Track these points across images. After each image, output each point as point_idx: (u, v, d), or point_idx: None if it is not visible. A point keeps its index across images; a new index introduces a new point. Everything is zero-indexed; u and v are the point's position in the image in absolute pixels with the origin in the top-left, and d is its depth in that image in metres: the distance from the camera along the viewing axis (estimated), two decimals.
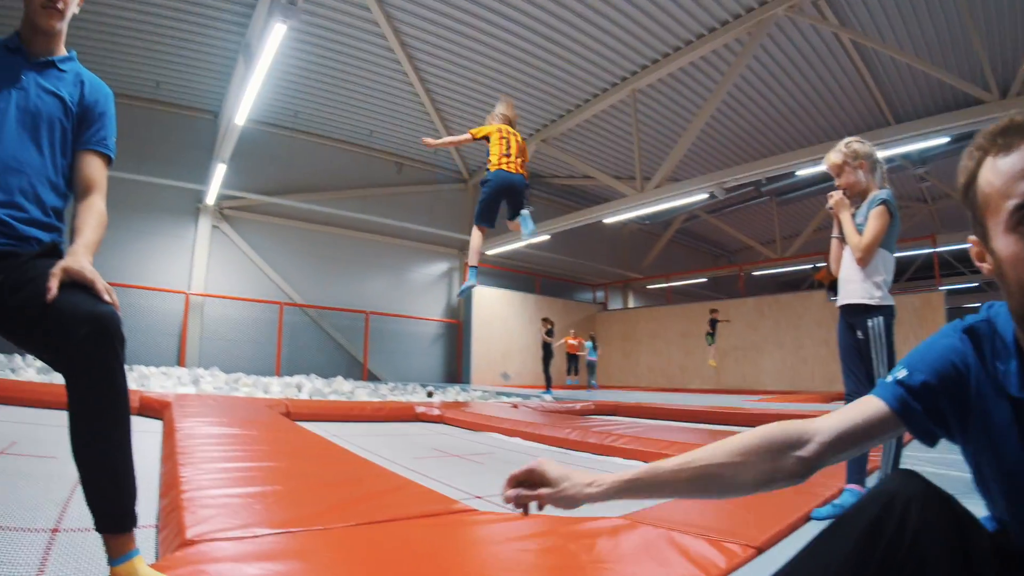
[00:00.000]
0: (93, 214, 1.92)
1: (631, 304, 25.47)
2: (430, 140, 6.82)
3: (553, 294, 21.52)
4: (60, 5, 1.92)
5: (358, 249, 19.07)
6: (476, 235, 6.24)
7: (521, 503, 1.31)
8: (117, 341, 1.61)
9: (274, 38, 9.06)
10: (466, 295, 4.87)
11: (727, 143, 17.44)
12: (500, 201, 6.35)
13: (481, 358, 19.36)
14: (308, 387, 10.50)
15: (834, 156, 3.45)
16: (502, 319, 19.82)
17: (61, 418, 4.74)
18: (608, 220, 15.31)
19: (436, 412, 8.17)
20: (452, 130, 17.12)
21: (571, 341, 18.96)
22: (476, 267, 5.80)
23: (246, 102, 11.38)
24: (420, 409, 8.20)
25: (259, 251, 17.79)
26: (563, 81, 14.65)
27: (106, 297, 1.61)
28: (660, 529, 2.42)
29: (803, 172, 14.59)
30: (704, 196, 14.98)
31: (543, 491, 1.29)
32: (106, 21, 12.61)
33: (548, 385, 16.07)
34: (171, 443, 3.78)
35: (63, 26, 2.01)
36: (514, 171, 6.23)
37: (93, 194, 1.97)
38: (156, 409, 6.15)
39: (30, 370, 7.78)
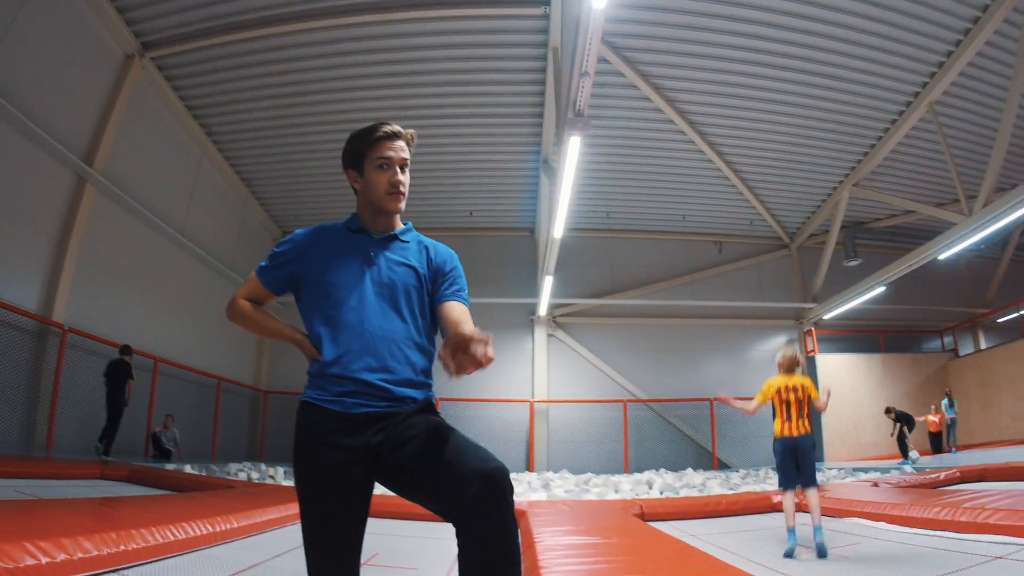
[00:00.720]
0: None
1: (983, 345, 22.16)
2: (725, 397, 7.03)
3: (898, 349, 19.40)
4: (402, 188, 2.18)
5: (691, 336, 18.91)
6: (785, 498, 5.89)
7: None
8: (509, 495, 1.70)
9: (571, 152, 9.52)
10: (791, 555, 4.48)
11: None
12: (793, 461, 6.10)
13: (832, 432, 17.87)
14: (659, 483, 10.40)
15: None
16: (850, 386, 18.19)
17: (421, 530, 5.08)
18: (943, 256, 13.59)
19: (796, 501, 7.72)
20: (760, 196, 16.80)
21: (932, 418, 16.28)
22: (793, 528, 5.37)
23: (559, 216, 11.96)
24: (777, 499, 7.79)
25: (596, 352, 18.35)
26: (856, 116, 13.69)
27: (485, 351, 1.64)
28: None
29: None
30: None
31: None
32: (423, 167, 14.19)
33: (904, 454, 14.60)
34: (531, 556, 3.87)
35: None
36: (797, 435, 6.20)
37: (462, 325, 2.04)
38: None
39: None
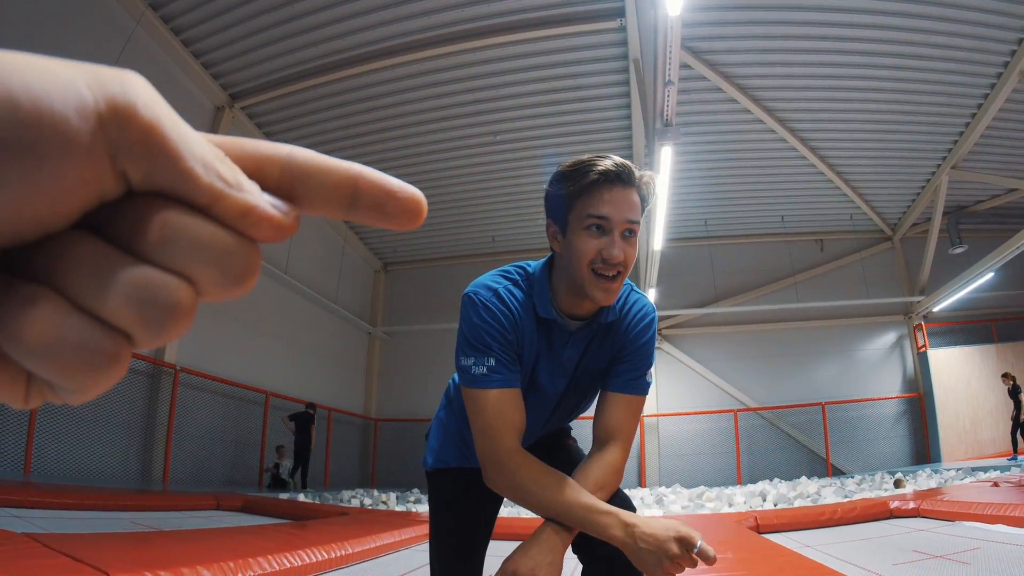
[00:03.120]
0: None
1: None
2: None
3: (1014, 338, 18.15)
4: (621, 269, 1.59)
5: (799, 339, 18.39)
6: None
7: None
8: None
9: (664, 162, 9.45)
10: None
11: None
12: None
13: (949, 430, 16.87)
14: (772, 494, 10.15)
15: None
16: (965, 382, 17.10)
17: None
18: None
19: (911, 505, 7.40)
20: (858, 188, 16.33)
21: None
22: None
23: (658, 228, 11.90)
24: (894, 504, 7.47)
25: (703, 363, 18.11)
26: (946, 95, 13.00)
27: None
28: None
29: None
30: None
31: None
32: (518, 191, 14.27)
33: (1016, 450, 13.70)
34: None
35: None
36: None
37: None
38: None
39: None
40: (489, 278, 1.70)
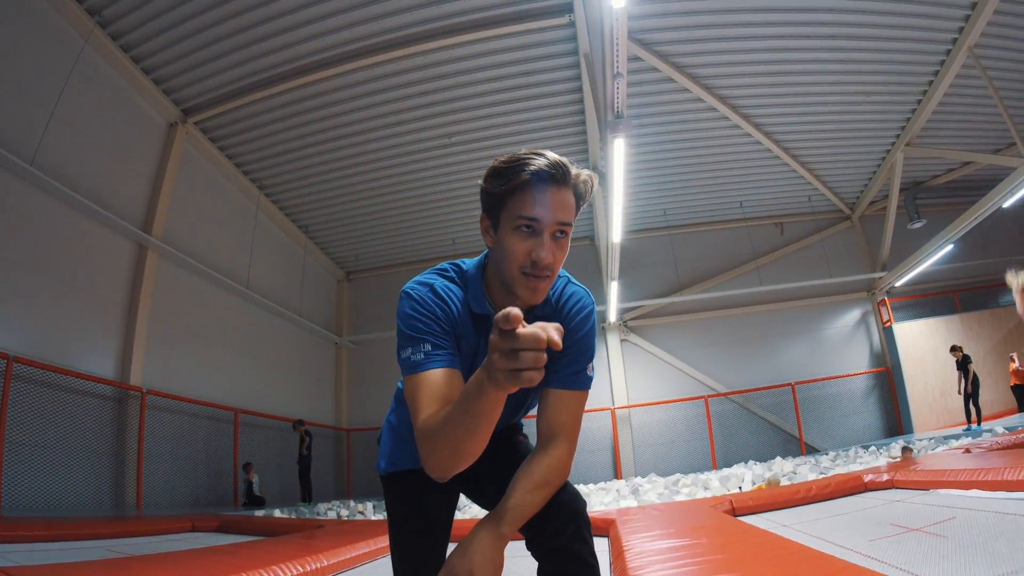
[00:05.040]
0: None
1: None
2: None
3: (976, 307, 18.37)
4: (548, 272, 1.58)
5: (765, 322, 18.55)
6: None
7: None
8: (586, 530, 1.65)
9: (617, 154, 9.47)
10: None
11: None
12: None
13: (919, 401, 17.13)
14: (748, 476, 10.21)
15: None
16: (931, 353, 17.34)
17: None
18: (1008, 203, 12.89)
19: (885, 478, 7.47)
20: (814, 170, 16.57)
21: (1016, 366, 14.28)
22: None
23: (615, 220, 11.90)
24: (868, 478, 7.55)
25: (671, 351, 18.20)
26: (897, 73, 13.16)
27: None
28: None
29: None
30: None
31: None
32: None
33: (969, 420, 13.88)
34: (622, 565, 3.81)
35: None
36: None
37: None
38: (601, 528, 6.31)
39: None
40: (424, 275, 1.73)
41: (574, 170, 1.56)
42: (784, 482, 8.99)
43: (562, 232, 1.56)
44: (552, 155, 1.53)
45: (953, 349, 14.26)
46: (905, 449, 10.43)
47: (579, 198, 1.60)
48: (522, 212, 1.52)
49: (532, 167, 1.49)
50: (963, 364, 14.00)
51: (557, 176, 1.52)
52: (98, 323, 10.42)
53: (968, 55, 12.01)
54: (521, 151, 1.55)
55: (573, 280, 1.84)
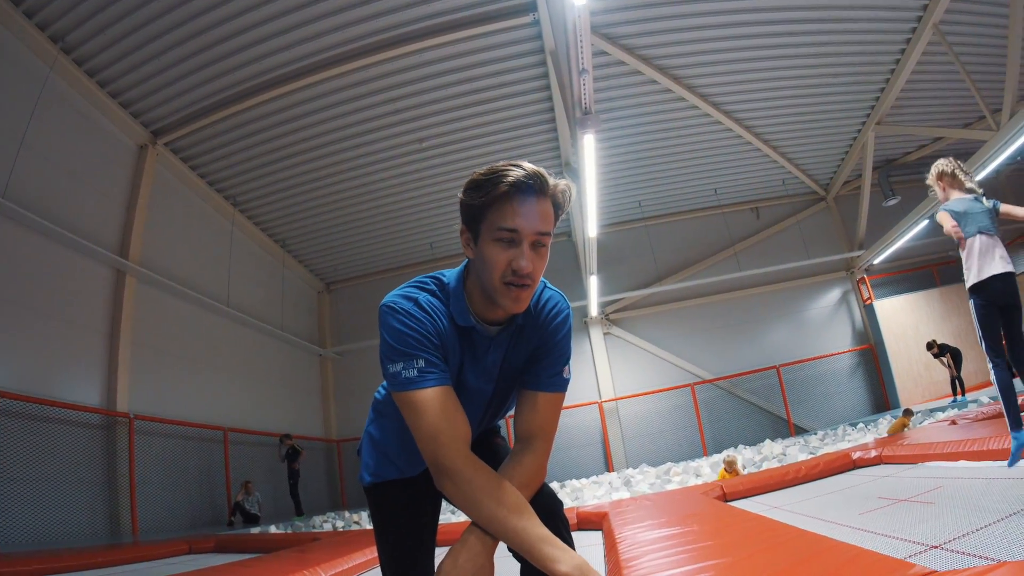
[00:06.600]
0: None
1: None
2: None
3: (955, 280, 18.49)
4: (529, 281, 1.61)
5: (746, 307, 18.70)
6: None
7: None
8: (564, 529, 1.70)
9: (588, 150, 9.52)
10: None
11: None
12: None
13: (904, 376, 17.36)
14: (739, 460, 10.29)
15: None
16: (913, 327, 17.58)
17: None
18: (981, 176, 13.03)
19: (873, 454, 7.55)
20: (786, 154, 16.68)
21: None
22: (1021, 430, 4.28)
23: (591, 215, 11.96)
24: (856, 455, 7.63)
25: (654, 342, 18.28)
26: (864, 53, 13.29)
27: None
28: None
29: None
30: None
31: None
32: (450, 196, 14.27)
33: (955, 392, 14.05)
34: (615, 557, 3.84)
35: None
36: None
37: None
38: (594, 521, 6.34)
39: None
40: (404, 289, 1.70)
41: (552, 180, 1.59)
42: (775, 464, 9.05)
43: (541, 243, 1.59)
44: (530, 166, 1.56)
45: (929, 347, 14.47)
46: (907, 412, 10.59)
47: (557, 208, 1.63)
48: (502, 223, 1.55)
49: (510, 178, 1.52)
50: (942, 353, 14.22)
51: (536, 186, 1.55)
52: (81, 351, 10.33)
53: (934, 32, 12.15)
54: (499, 163, 1.58)
55: (549, 285, 1.86)
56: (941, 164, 4.95)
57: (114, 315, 11.01)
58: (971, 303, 4.36)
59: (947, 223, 4.93)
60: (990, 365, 3.90)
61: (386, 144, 13.71)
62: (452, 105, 12.96)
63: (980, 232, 4.78)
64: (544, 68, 12.23)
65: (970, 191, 5.08)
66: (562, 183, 1.62)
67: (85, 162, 10.78)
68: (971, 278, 4.62)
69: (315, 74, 11.53)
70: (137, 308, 11.45)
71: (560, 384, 1.78)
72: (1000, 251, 4.70)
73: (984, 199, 4.92)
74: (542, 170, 1.58)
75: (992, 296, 4.53)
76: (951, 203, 4.95)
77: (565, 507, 1.78)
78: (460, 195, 1.63)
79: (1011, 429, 3.57)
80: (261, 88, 11.73)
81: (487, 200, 1.55)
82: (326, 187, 14.91)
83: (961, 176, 4.87)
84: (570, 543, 1.61)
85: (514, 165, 1.56)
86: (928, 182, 4.87)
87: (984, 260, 4.64)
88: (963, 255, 4.80)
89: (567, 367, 1.80)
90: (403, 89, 12.36)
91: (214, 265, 14.35)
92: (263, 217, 15.87)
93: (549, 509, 1.68)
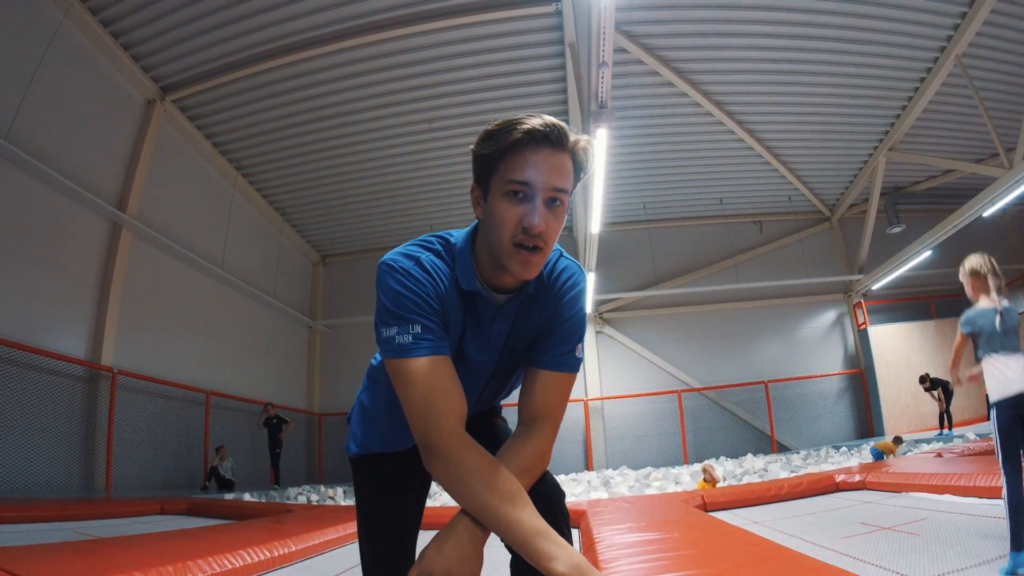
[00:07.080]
0: None
1: None
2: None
3: (951, 314, 18.51)
4: (542, 243, 1.44)
5: (740, 320, 18.66)
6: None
7: None
8: (564, 524, 1.59)
9: (601, 144, 9.44)
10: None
11: None
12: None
13: (891, 404, 17.36)
14: (720, 471, 10.26)
15: None
16: (905, 357, 17.59)
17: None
18: (988, 212, 12.99)
19: (857, 479, 7.52)
20: (796, 170, 16.61)
21: (974, 372, 14.32)
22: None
23: (595, 211, 11.88)
24: (840, 478, 7.61)
25: (646, 345, 18.25)
26: (884, 78, 13.22)
27: None
28: None
29: None
30: None
31: None
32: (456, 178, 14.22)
33: (942, 426, 14.02)
34: (593, 557, 3.80)
35: None
36: None
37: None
38: (572, 519, 6.28)
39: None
40: (407, 247, 1.57)
41: (572, 135, 1.45)
42: (755, 479, 9.03)
43: (557, 200, 1.43)
44: (549, 117, 1.42)
45: (922, 380, 14.41)
46: (897, 439, 10.58)
47: (578, 166, 1.48)
48: (513, 175, 1.40)
49: (525, 126, 1.39)
50: (934, 387, 14.17)
51: (552, 137, 1.40)
52: (70, 301, 10.26)
53: (956, 64, 12.09)
54: (517, 114, 1.44)
55: (566, 254, 1.69)
56: (975, 263, 4.43)
57: (107, 268, 10.91)
58: (992, 413, 4.05)
59: (957, 339, 4.63)
60: (1003, 480, 3.68)
61: (395, 121, 13.60)
62: (465, 88, 12.85)
63: (1002, 351, 4.34)
64: (561, 59, 12.14)
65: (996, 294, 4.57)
66: (583, 138, 1.47)
67: (91, 112, 10.66)
68: (994, 394, 4.19)
69: (331, 44, 11.40)
70: (130, 263, 11.35)
71: (572, 363, 1.64)
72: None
73: (1005, 304, 4.43)
74: (561, 123, 1.43)
75: (1018, 409, 4.10)
76: (973, 315, 4.47)
77: None
78: (472, 147, 1.51)
79: (1012, 549, 3.43)
80: (276, 53, 11.60)
81: (499, 149, 1.42)
82: (331, 159, 14.79)
83: (991, 281, 4.44)
84: (569, 539, 1.42)
85: (531, 115, 1.42)
86: (960, 277, 4.49)
87: (1008, 376, 4.20)
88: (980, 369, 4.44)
89: (580, 345, 1.67)
90: (417, 67, 12.25)
91: (211, 227, 14.26)
92: (265, 184, 15.76)
93: (548, 500, 1.53)
